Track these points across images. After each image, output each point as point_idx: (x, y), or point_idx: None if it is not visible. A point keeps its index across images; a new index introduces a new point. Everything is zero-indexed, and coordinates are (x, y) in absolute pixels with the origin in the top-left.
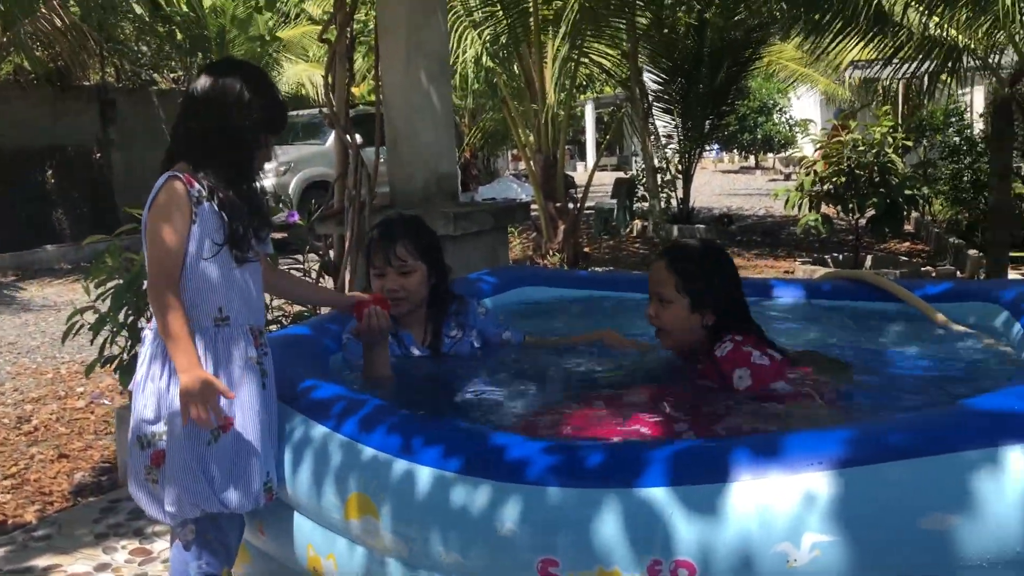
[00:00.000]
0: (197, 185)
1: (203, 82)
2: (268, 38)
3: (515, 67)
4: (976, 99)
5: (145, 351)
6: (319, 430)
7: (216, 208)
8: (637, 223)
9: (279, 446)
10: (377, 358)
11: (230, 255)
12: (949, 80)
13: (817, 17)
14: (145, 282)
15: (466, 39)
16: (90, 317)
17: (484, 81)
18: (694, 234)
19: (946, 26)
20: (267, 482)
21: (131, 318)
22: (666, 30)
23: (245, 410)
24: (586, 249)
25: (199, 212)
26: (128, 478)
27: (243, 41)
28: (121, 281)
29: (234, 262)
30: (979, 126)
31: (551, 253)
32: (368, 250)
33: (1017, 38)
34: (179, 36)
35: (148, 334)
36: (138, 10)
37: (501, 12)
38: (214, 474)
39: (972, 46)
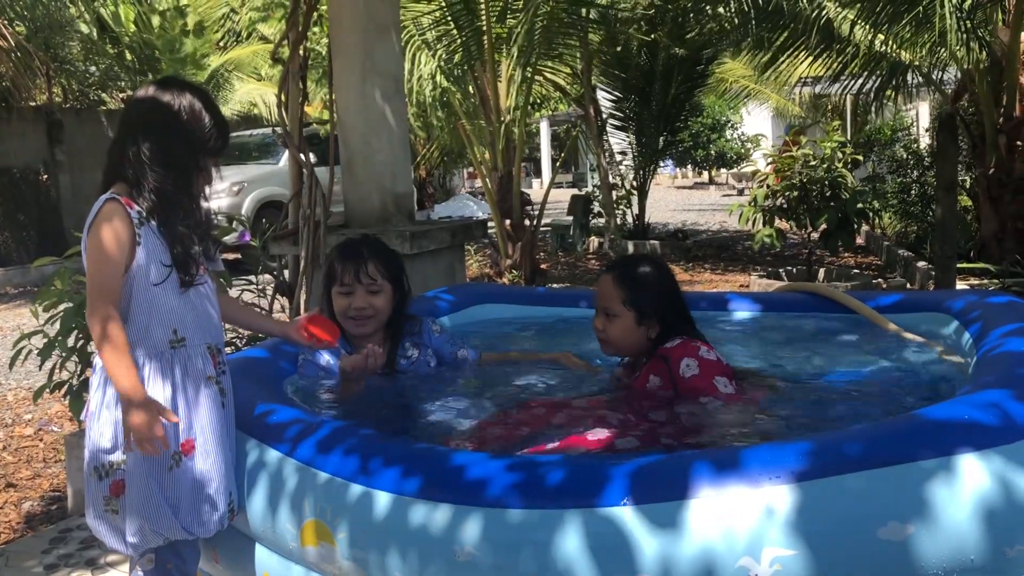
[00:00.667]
0: (136, 207)
1: (140, 102)
2: (208, 59)
3: (470, 86)
4: (922, 114)
5: (97, 377)
6: (273, 455)
7: (157, 230)
8: (593, 240)
9: (236, 469)
10: (356, 388)
11: (178, 277)
12: (894, 95)
13: (766, 34)
14: None
15: (419, 59)
16: (38, 342)
17: (438, 99)
18: (653, 250)
19: (891, 43)
20: (230, 503)
21: (80, 342)
22: (619, 47)
23: (206, 431)
24: (543, 266)
25: (142, 234)
26: (86, 509)
27: (169, 62)
28: (70, 304)
29: (181, 285)
30: (925, 140)
31: (508, 270)
32: (331, 268)
33: (959, 55)
34: (128, 56)
35: (99, 360)
36: (85, 30)
37: (455, 31)
38: (177, 500)
39: (916, 62)
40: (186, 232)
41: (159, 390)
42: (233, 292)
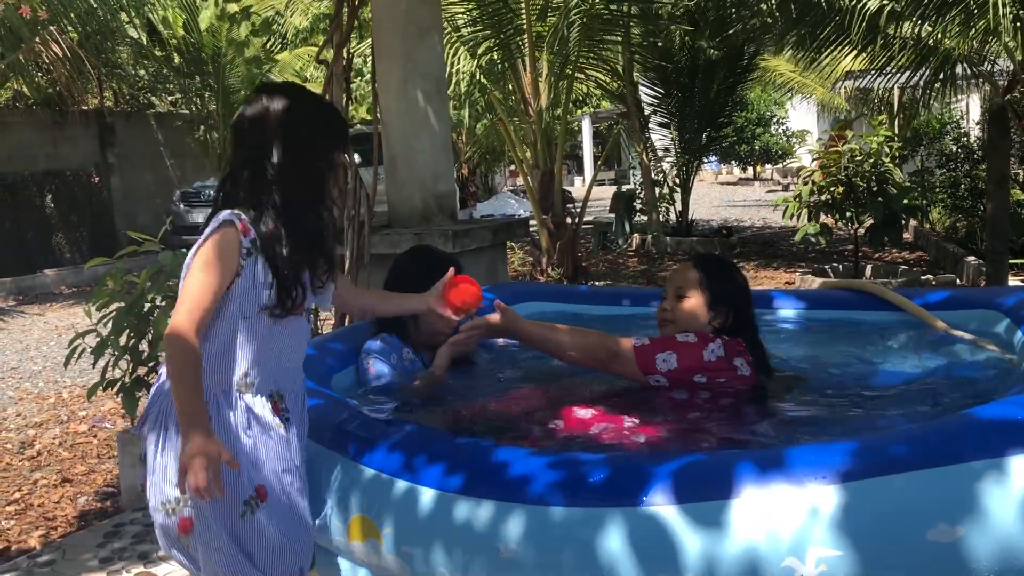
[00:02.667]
0: (252, 235)
1: (250, 111)
2: (263, 59)
3: (510, 84)
4: (972, 107)
5: (160, 404)
6: (321, 451)
7: (265, 263)
8: (636, 237)
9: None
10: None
11: (271, 314)
12: (943, 88)
13: (808, 30)
14: (147, 305)
15: (457, 57)
16: (91, 341)
17: (480, 97)
18: (692, 247)
19: (939, 35)
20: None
21: (133, 341)
22: (660, 43)
23: (279, 481)
24: (585, 264)
25: (246, 266)
26: (159, 538)
27: (239, 63)
28: (122, 304)
29: (274, 321)
30: (975, 133)
31: (550, 268)
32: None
33: (1011, 44)
34: (176, 60)
35: (164, 384)
36: (135, 35)
37: (493, 30)
38: (253, 549)
39: (966, 54)
40: (302, 256)
41: (223, 429)
42: None
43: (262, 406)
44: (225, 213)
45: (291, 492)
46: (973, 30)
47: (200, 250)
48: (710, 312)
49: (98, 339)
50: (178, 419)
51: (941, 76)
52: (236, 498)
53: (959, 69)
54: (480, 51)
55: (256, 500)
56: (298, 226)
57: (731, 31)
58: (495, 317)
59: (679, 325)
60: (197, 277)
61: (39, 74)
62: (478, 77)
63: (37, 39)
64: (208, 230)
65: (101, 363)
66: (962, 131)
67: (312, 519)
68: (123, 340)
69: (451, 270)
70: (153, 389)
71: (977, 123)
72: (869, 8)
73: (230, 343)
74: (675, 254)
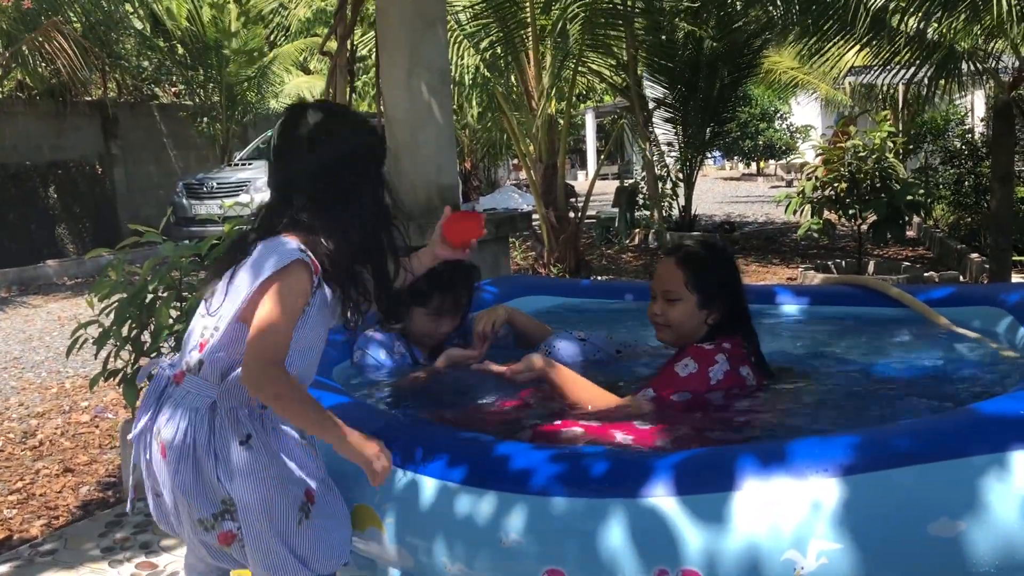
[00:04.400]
0: (318, 269)
1: (289, 132)
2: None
3: (513, 77)
4: (976, 103)
5: (194, 431)
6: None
7: (331, 293)
8: (639, 231)
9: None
10: (419, 380)
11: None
12: (947, 85)
13: (812, 21)
14: (149, 296)
15: (461, 52)
16: (94, 331)
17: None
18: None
19: (944, 31)
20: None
21: (134, 332)
22: (664, 36)
23: (318, 480)
24: (587, 258)
25: (312, 301)
26: (203, 551)
27: (235, 55)
28: (124, 295)
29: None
30: (980, 130)
31: (552, 262)
32: (427, 292)
33: (1017, 40)
34: (180, 51)
35: (198, 412)
36: (139, 25)
37: (497, 23)
38: (305, 553)
39: (970, 50)
40: (366, 282)
41: (276, 439)
42: None
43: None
44: (292, 247)
45: (333, 490)
46: (979, 26)
47: (277, 285)
48: (702, 312)
49: (100, 330)
50: (338, 447)
51: (945, 72)
52: (292, 507)
53: (964, 65)
54: (483, 45)
55: (308, 505)
56: (356, 243)
57: (735, 25)
58: (538, 362)
59: (674, 330)
60: (276, 317)
61: (42, 64)
62: (481, 70)
63: (41, 29)
64: (278, 259)
65: (103, 354)
66: (967, 127)
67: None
68: (125, 331)
69: (447, 208)
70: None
71: (982, 119)
72: (875, 3)
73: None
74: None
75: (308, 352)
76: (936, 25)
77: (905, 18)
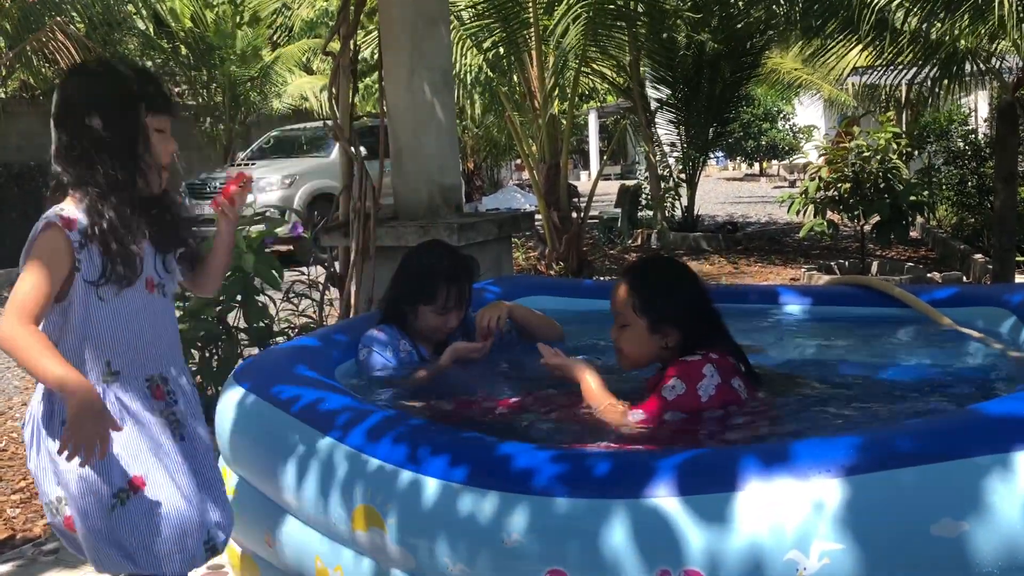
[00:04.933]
0: (81, 223)
1: (59, 92)
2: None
3: (515, 77)
4: (980, 103)
5: (31, 409)
6: (325, 441)
7: (99, 246)
8: (641, 232)
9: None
10: (425, 378)
11: (118, 295)
12: (951, 85)
13: (814, 20)
14: None
15: (464, 52)
16: None
17: (486, 90)
18: (698, 243)
19: (947, 31)
20: (208, 541)
21: None
22: (665, 35)
23: (157, 468)
24: (590, 258)
25: (82, 258)
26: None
27: (229, 54)
28: None
29: (121, 302)
30: (983, 130)
31: (555, 263)
32: (429, 287)
33: (1019, 41)
34: (183, 51)
35: (36, 393)
36: (142, 26)
37: (499, 23)
38: (125, 541)
39: (974, 50)
40: (125, 224)
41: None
42: (285, 283)
43: (135, 395)
44: (48, 213)
45: (173, 478)
46: (983, 27)
47: (28, 253)
48: (654, 336)
49: None
50: (50, 379)
51: (949, 73)
52: (105, 491)
53: (968, 66)
54: (486, 45)
55: (128, 492)
56: (118, 198)
57: (739, 24)
58: (579, 374)
59: (630, 359)
60: (25, 280)
61: (45, 65)
62: (484, 70)
63: (44, 29)
64: (33, 232)
65: None
66: (970, 128)
67: (201, 502)
68: None
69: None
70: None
71: (985, 120)
72: (878, 1)
73: (83, 340)
74: (680, 249)
75: (95, 317)
76: (939, 25)
77: (908, 18)
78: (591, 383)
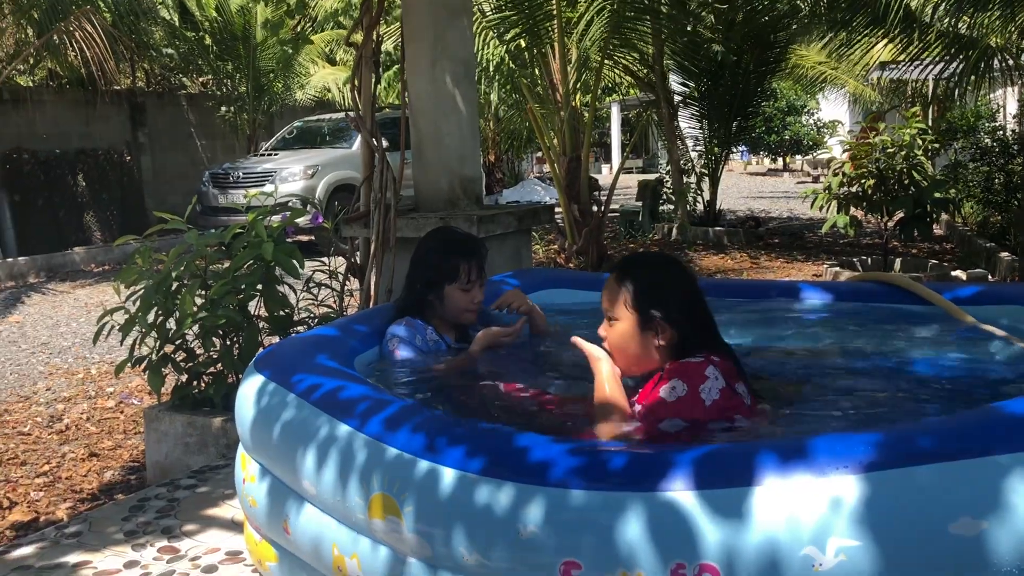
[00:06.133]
0: None
1: None
2: (300, 41)
3: (536, 69)
4: (1008, 100)
5: None
6: (343, 429)
7: None
8: (662, 226)
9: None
10: (455, 367)
11: None
12: (979, 81)
13: (840, 14)
14: (173, 284)
15: (486, 43)
16: (120, 318)
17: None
18: (719, 237)
19: (977, 27)
20: None
21: (160, 319)
22: (690, 27)
23: None
24: (610, 252)
25: None
26: None
27: (272, 44)
28: (150, 282)
29: None
30: (1011, 127)
31: (574, 256)
32: (450, 266)
33: None
34: (208, 41)
35: None
36: (167, 15)
37: (522, 15)
38: None
39: (1003, 46)
40: None
41: None
42: (305, 273)
43: None
44: None
45: None
46: (1013, 24)
47: None
48: (646, 333)
49: (126, 316)
50: None
51: (977, 69)
52: None
53: (996, 62)
54: (508, 37)
55: None
56: None
57: (764, 18)
58: (603, 369)
59: (618, 355)
60: None
61: (72, 53)
62: (506, 62)
63: (70, 18)
64: None
65: (129, 340)
66: (997, 125)
67: None
68: (150, 318)
69: None
70: None
71: (1014, 116)
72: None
73: None
74: (701, 244)
75: None
76: (967, 20)
77: (937, 13)
78: (604, 374)
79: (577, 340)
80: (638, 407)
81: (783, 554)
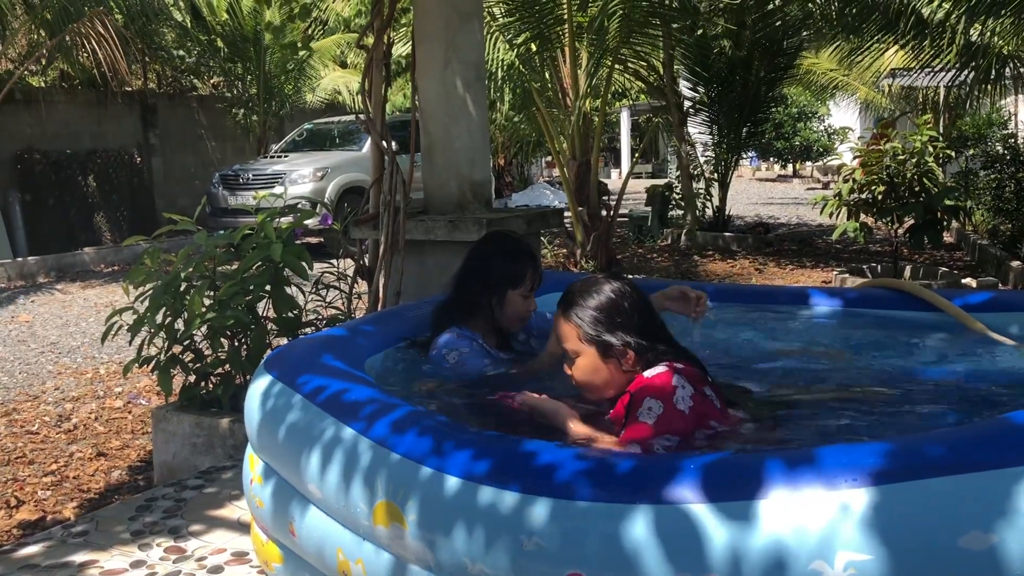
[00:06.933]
0: None
1: None
2: (300, 46)
3: (546, 73)
4: (1021, 107)
5: None
6: (348, 432)
7: None
8: (671, 231)
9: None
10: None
11: None
12: (991, 89)
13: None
14: (182, 284)
15: (496, 47)
16: (128, 318)
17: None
18: (728, 243)
19: (989, 34)
20: None
21: (168, 319)
22: (699, 31)
23: None
24: (618, 257)
25: None
26: None
27: (277, 49)
28: (159, 282)
29: None
30: (1022, 135)
31: (583, 260)
32: (516, 273)
33: None
34: (219, 44)
35: None
36: (179, 17)
37: (532, 19)
38: None
39: (1015, 54)
40: None
41: None
42: (314, 275)
43: None
44: None
45: None
46: None
47: None
48: (607, 363)
49: (135, 317)
50: None
51: (990, 76)
52: None
53: (1007, 69)
54: (519, 41)
55: None
56: None
57: (776, 22)
58: (532, 402)
59: (591, 390)
60: None
61: (84, 54)
62: (517, 65)
63: (83, 20)
64: None
65: (137, 340)
66: (1009, 132)
67: None
68: (159, 318)
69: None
70: None
71: None
72: (918, 5)
73: None
74: (709, 249)
75: None
76: (979, 27)
77: (949, 19)
78: (571, 427)
79: (527, 400)
80: (635, 446)
81: (791, 567)
